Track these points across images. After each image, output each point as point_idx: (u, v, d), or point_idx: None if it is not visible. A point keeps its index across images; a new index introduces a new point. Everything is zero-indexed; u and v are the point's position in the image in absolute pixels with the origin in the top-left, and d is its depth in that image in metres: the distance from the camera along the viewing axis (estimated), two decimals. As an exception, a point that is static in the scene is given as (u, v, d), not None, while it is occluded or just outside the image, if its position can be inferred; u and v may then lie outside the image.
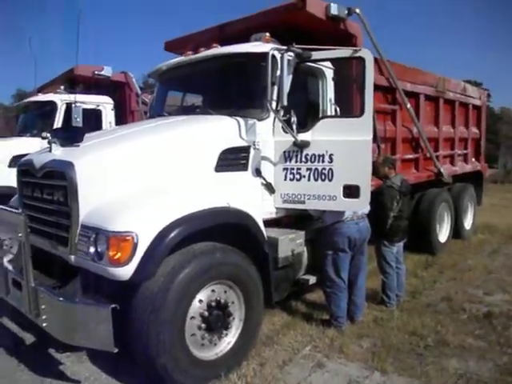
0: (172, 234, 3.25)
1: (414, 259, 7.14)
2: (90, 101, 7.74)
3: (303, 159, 4.33)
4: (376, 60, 5.44)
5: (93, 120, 7.71)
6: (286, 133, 4.30)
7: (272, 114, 4.28)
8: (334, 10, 4.74)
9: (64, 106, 7.41)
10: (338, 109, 4.94)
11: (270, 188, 4.39)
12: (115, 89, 8.37)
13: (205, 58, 4.65)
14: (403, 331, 4.55)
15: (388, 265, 5.17)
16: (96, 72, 8.03)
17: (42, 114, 7.73)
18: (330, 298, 4.61)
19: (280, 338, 4.43)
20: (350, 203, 4.20)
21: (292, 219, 4.72)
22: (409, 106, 6.05)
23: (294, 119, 4.21)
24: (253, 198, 4.24)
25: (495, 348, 4.23)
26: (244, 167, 4.21)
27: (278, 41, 4.52)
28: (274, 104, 4.16)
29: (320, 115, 4.75)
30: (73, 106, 6.94)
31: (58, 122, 7.43)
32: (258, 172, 4.28)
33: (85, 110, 7.49)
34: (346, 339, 4.37)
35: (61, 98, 7.52)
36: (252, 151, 4.23)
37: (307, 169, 4.32)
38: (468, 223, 8.90)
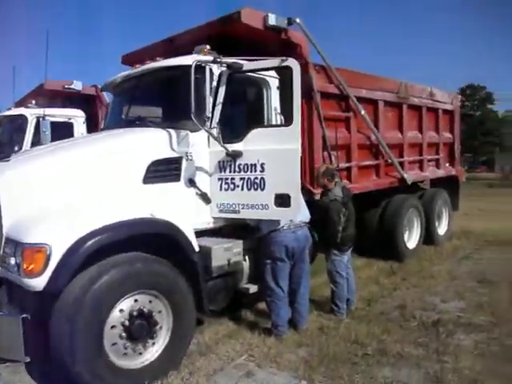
0: (85, 246, 3.31)
1: (379, 266, 7.13)
2: (60, 114, 7.91)
3: (237, 169, 4.37)
4: (323, 68, 5.50)
5: (64, 133, 7.83)
6: (227, 143, 4.36)
7: (212, 124, 4.36)
8: (272, 20, 4.80)
9: (34, 119, 7.56)
10: (282, 118, 4.98)
11: (205, 198, 4.43)
12: (87, 102, 8.52)
13: (143, 72, 4.74)
14: (346, 340, 4.52)
15: (338, 274, 5.15)
16: (66, 86, 8.21)
17: (15, 128, 7.90)
18: (270, 307, 4.62)
19: (219, 347, 4.44)
20: (282, 212, 4.22)
21: (232, 229, 4.75)
22: (363, 112, 6.06)
23: (217, 130, 4.27)
24: (186, 208, 4.28)
25: (432, 356, 4.19)
26: (176, 178, 4.26)
27: (216, 52, 4.59)
28: (205, 115, 4.22)
29: (265, 124, 4.79)
30: (40, 119, 7.08)
31: (28, 136, 7.58)
32: (191, 182, 4.33)
33: (56, 123, 7.67)
34: (283, 348, 4.37)
35: (31, 112, 7.68)
36: (184, 162, 4.29)
37: (240, 178, 4.36)
38: (442, 229, 8.83)
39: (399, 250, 7.28)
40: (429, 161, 8.19)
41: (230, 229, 4.76)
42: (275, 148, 4.19)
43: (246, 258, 4.77)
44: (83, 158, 3.91)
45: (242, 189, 4.35)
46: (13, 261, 3.36)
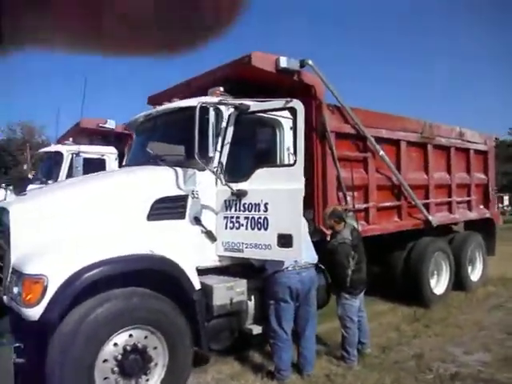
0: (81, 278, 3.42)
1: (403, 312, 6.80)
2: (94, 151, 8.36)
3: (242, 208, 4.41)
4: (338, 108, 5.53)
5: (98, 168, 8.24)
6: (233, 182, 4.45)
7: (215, 164, 4.49)
8: (284, 63, 4.92)
9: (70, 155, 8.03)
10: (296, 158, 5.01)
11: (210, 236, 4.48)
12: (120, 139, 8.96)
13: (159, 113, 4.98)
14: (351, 389, 4.33)
15: (349, 319, 4.91)
16: (100, 124, 8.70)
17: (52, 164, 8.41)
18: (273, 349, 4.51)
19: (219, 388, 4.37)
20: (285, 252, 4.18)
21: (240, 267, 4.73)
22: (381, 152, 5.97)
23: (222, 169, 4.36)
24: (189, 245, 4.33)
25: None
26: (181, 215, 4.35)
27: (231, 93, 4.75)
28: (209, 154, 4.33)
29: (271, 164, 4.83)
30: (74, 155, 7.51)
31: (64, 171, 8.05)
32: (196, 220, 4.40)
33: (90, 160, 8.09)
34: (284, 394, 4.22)
35: (67, 149, 8.18)
36: (190, 200, 4.38)
37: (245, 217, 4.39)
38: (476, 274, 8.36)
39: (424, 296, 6.94)
40: (459, 203, 7.88)
41: (238, 268, 4.75)
42: (278, 188, 4.21)
43: (252, 297, 4.71)
44: (90, 192, 4.10)
45: (247, 228, 4.37)
46: (15, 290, 3.52)
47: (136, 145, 5.76)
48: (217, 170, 4.34)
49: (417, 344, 5.57)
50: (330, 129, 5.38)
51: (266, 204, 4.28)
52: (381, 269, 7.40)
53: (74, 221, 3.90)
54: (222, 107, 4.44)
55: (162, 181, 4.32)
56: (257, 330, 4.66)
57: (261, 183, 4.34)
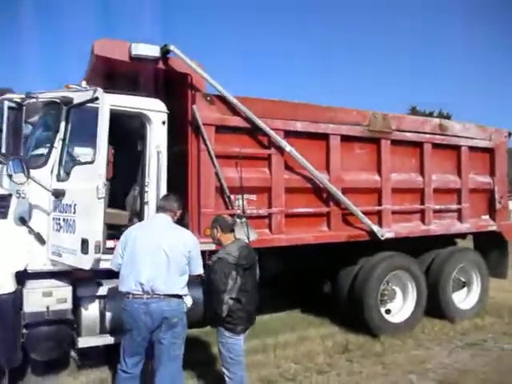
0: None
1: (339, 339, 5.70)
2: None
3: (61, 209, 4.06)
4: (220, 98, 4.82)
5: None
6: (59, 181, 4.13)
7: (50, 162, 4.21)
8: (136, 49, 4.40)
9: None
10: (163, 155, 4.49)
11: (39, 238, 4.17)
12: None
13: None
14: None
15: (233, 361, 3.77)
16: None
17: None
18: (117, 376, 3.73)
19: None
20: (85, 260, 3.73)
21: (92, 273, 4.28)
22: (289, 148, 5.05)
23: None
24: (13, 247, 4.08)
25: None
26: (3, 215, 4.11)
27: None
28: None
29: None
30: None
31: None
32: (22, 221, 4.13)
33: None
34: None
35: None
36: (14, 199, 4.12)
37: (63, 219, 4.02)
38: (469, 301, 6.75)
39: (370, 323, 5.75)
40: (438, 211, 6.43)
41: (88, 273, 4.35)
42: (80, 187, 3.83)
43: (90, 307, 4.28)
44: None
45: (63, 230, 4.01)
46: None
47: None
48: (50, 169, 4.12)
49: (312, 382, 4.60)
50: (208, 121, 4.70)
51: (75, 205, 3.88)
52: (331, 286, 6.39)
53: None
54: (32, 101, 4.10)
55: None
56: (85, 343, 4.20)
57: (73, 182, 3.96)
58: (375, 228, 5.63)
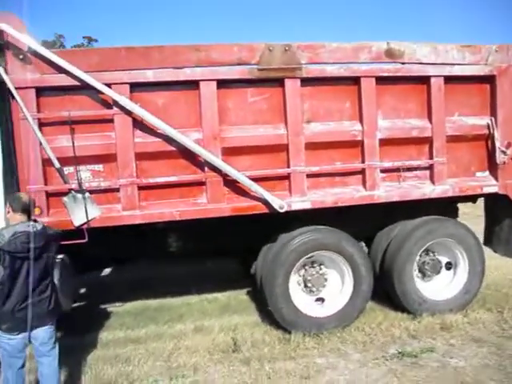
0: None
1: (237, 334, 4.67)
2: None
3: None
4: (40, 56, 4.07)
5: None
6: None
7: None
8: None
9: None
10: None
11: None
12: None
13: None
14: None
15: (4, 360, 3.18)
16: None
17: None
18: None
19: None
20: None
21: None
22: (132, 106, 4.06)
23: None
24: None
25: None
26: None
27: None
28: None
29: None
30: None
31: None
32: None
33: None
34: None
35: None
36: None
37: None
38: (450, 289, 4.91)
39: (280, 316, 4.58)
40: (391, 170, 4.67)
41: None
42: None
43: None
44: None
45: None
46: None
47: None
48: None
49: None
50: (24, 84, 4.02)
51: None
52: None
53: None
54: None
55: None
56: None
57: None
58: (269, 197, 4.34)
